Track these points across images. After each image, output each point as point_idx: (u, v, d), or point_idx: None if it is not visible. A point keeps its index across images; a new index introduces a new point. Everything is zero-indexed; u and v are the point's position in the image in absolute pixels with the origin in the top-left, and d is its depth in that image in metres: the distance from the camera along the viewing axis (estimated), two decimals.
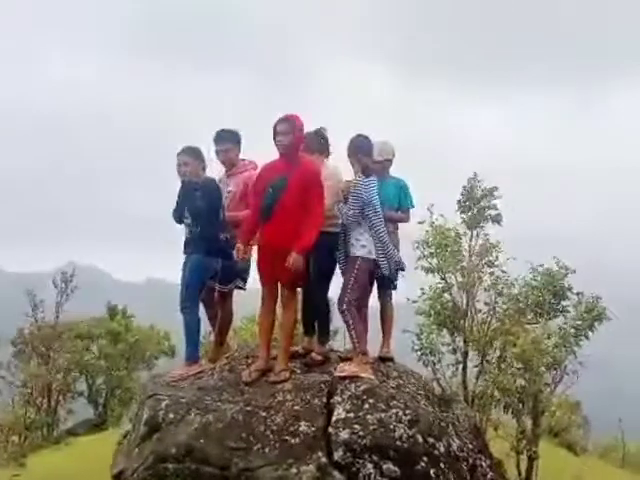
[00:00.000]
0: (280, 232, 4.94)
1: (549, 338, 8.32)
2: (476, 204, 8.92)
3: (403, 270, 5.57)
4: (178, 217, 5.57)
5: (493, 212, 8.92)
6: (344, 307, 4.98)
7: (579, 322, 8.75)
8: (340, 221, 5.30)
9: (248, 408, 4.53)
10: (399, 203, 5.80)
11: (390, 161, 5.93)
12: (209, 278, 5.51)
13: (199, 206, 5.38)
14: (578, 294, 8.83)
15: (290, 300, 5.14)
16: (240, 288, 5.76)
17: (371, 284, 5.39)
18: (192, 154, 5.51)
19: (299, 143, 5.09)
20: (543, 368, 8.46)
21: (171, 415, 4.57)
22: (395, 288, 5.86)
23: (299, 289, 5.47)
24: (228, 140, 5.74)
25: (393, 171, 5.96)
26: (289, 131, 4.98)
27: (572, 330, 8.71)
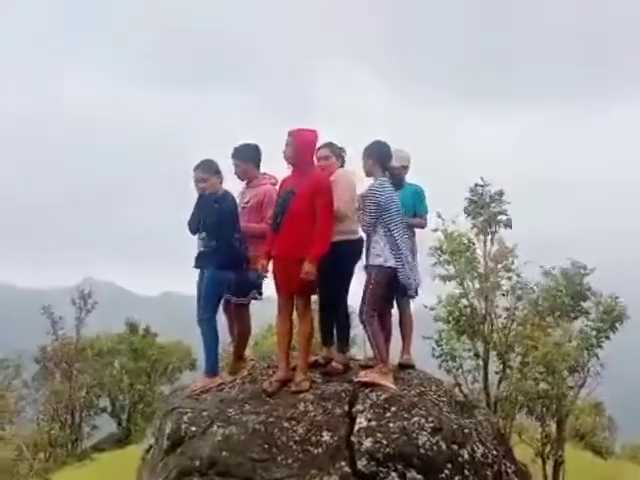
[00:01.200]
0: (290, 242, 4.97)
1: (570, 341, 8.22)
2: (486, 209, 8.87)
3: (418, 284, 5.55)
4: (195, 228, 5.60)
5: (504, 217, 8.88)
6: (364, 317, 4.97)
7: (600, 324, 8.64)
8: (354, 228, 5.32)
9: (270, 419, 4.53)
10: (415, 209, 5.82)
11: (406, 168, 5.95)
12: (225, 291, 5.53)
13: (216, 220, 5.41)
14: (594, 295, 8.73)
15: (305, 310, 5.14)
16: (256, 299, 5.77)
17: (391, 292, 5.36)
18: (208, 169, 5.56)
19: (304, 154, 5.13)
20: (565, 371, 8.36)
21: (194, 428, 4.58)
22: (415, 296, 5.85)
23: (317, 298, 5.50)
24: (241, 154, 5.79)
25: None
26: (289, 143, 5.11)
27: (593, 332, 8.60)
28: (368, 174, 5.23)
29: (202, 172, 5.52)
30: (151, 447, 5.21)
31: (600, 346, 8.43)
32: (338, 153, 5.67)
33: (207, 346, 5.43)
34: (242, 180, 5.90)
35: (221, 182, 5.62)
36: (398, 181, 5.25)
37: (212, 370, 5.46)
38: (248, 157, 5.79)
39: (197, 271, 5.57)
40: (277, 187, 5.53)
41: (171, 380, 23.60)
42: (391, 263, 5.02)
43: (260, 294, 5.76)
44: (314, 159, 5.28)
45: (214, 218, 5.42)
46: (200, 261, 5.53)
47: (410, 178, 5.94)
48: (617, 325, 8.48)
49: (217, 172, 5.59)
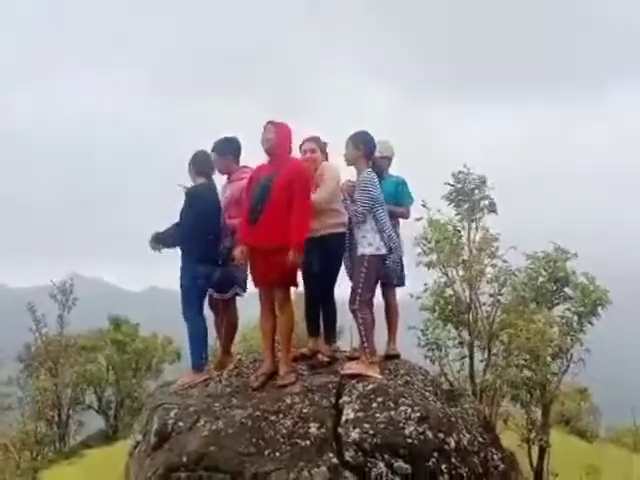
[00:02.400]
0: (269, 232, 4.91)
1: (552, 327, 8.29)
2: (469, 196, 8.88)
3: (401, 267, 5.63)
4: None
5: (486, 202, 8.88)
6: (356, 306, 4.97)
7: (581, 308, 8.71)
8: (341, 221, 5.32)
9: (257, 413, 4.54)
10: (397, 199, 5.82)
11: (390, 159, 5.99)
12: (206, 286, 5.51)
13: (184, 214, 5.44)
14: (575, 279, 8.77)
15: (285, 301, 5.09)
16: (238, 295, 5.76)
17: (376, 282, 5.38)
18: (190, 163, 5.60)
19: (284, 145, 5.12)
20: (549, 358, 8.44)
21: (181, 424, 4.58)
22: (403, 284, 5.90)
23: (303, 290, 5.51)
24: (219, 149, 5.77)
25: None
26: (271, 132, 5.07)
27: (575, 317, 8.67)
28: (351, 163, 5.23)
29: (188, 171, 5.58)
30: (138, 443, 5.19)
31: (582, 331, 8.51)
32: (323, 147, 5.68)
33: (192, 341, 5.43)
34: (222, 174, 5.86)
35: (202, 175, 5.60)
36: (379, 172, 5.27)
37: (198, 365, 5.45)
38: (227, 151, 5.76)
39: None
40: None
41: (156, 374, 23.49)
42: (384, 251, 5.04)
43: (244, 290, 5.75)
44: (291, 151, 5.26)
45: (182, 212, 5.44)
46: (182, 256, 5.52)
47: (398, 169, 5.99)
48: (599, 310, 8.55)
49: (193, 166, 5.59)
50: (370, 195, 5.01)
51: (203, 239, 5.35)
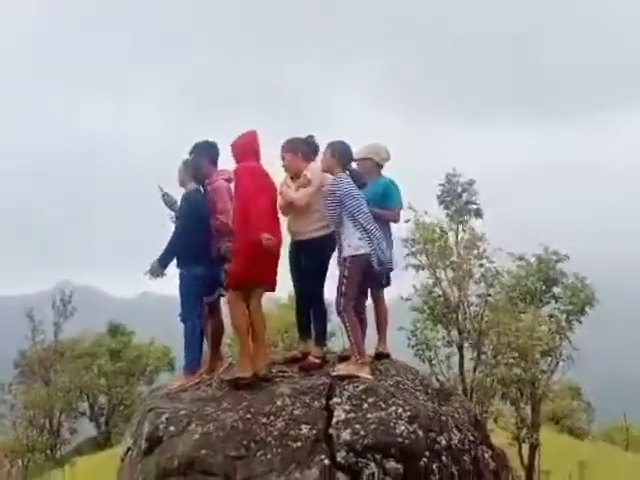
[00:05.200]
0: None
1: (540, 325, 8.36)
2: (458, 199, 8.97)
3: (391, 269, 5.64)
4: None
5: (474, 206, 8.98)
6: (341, 308, 5.00)
7: (570, 307, 8.81)
8: (326, 223, 5.35)
9: (248, 415, 4.53)
10: (385, 201, 5.78)
11: (374, 162, 5.94)
12: (204, 288, 5.53)
13: (182, 219, 5.50)
14: (565, 279, 8.90)
15: (230, 302, 5.26)
16: (222, 296, 5.76)
17: (366, 283, 5.40)
18: (185, 167, 5.64)
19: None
20: (538, 356, 8.50)
21: (172, 428, 4.57)
22: (389, 284, 5.91)
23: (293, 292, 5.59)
24: (195, 152, 5.81)
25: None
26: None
27: (563, 316, 8.77)
28: (326, 170, 5.31)
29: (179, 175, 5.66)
30: (129, 449, 5.17)
31: (571, 329, 8.60)
32: (305, 150, 5.69)
33: (187, 344, 5.42)
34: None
35: (193, 179, 5.62)
36: (359, 178, 5.35)
37: (191, 368, 5.45)
38: (206, 153, 5.79)
39: (176, 271, 5.58)
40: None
41: (150, 381, 23.46)
42: (363, 250, 5.07)
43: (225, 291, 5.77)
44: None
45: (183, 220, 5.48)
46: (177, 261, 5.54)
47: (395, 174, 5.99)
48: (587, 309, 8.64)
49: (184, 169, 5.61)
50: (336, 198, 5.08)
51: (200, 242, 5.40)
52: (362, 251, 5.08)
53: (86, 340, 23.74)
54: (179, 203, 5.64)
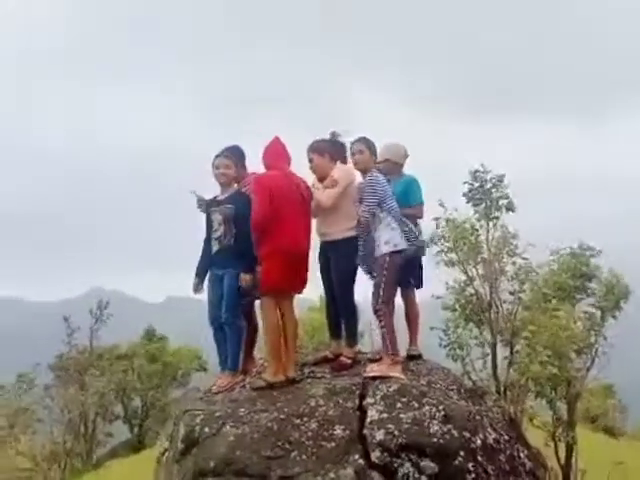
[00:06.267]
0: None
1: (575, 322, 8.25)
2: (487, 195, 8.89)
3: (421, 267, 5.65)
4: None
5: (505, 201, 8.88)
6: (379, 307, 4.99)
7: (604, 303, 8.68)
8: (355, 224, 5.36)
9: (282, 416, 4.57)
10: (407, 199, 5.75)
11: (398, 164, 5.94)
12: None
13: (243, 218, 5.47)
14: (599, 275, 8.77)
15: (262, 307, 5.36)
16: (257, 298, 5.79)
17: (398, 281, 5.37)
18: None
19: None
20: (573, 354, 8.39)
21: (207, 429, 4.62)
22: (421, 286, 5.90)
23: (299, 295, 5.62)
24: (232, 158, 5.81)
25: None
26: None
27: (598, 312, 8.64)
28: (364, 166, 5.31)
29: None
30: (166, 450, 5.25)
31: (605, 326, 8.48)
32: (333, 151, 5.69)
33: (232, 344, 5.45)
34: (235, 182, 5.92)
35: (238, 180, 5.69)
36: (389, 174, 5.37)
37: (236, 367, 5.49)
38: (238, 159, 5.84)
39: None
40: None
41: (183, 384, 23.78)
42: (401, 246, 5.08)
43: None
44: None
45: (244, 219, 5.40)
46: (221, 262, 5.51)
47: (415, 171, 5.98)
48: (622, 303, 8.53)
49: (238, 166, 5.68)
50: (376, 193, 5.08)
51: (251, 245, 5.39)
52: (402, 246, 5.09)
53: (123, 344, 24.22)
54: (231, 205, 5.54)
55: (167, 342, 25.05)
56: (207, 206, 5.64)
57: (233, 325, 5.42)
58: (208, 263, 5.60)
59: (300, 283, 5.41)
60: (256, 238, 5.26)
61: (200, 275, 5.61)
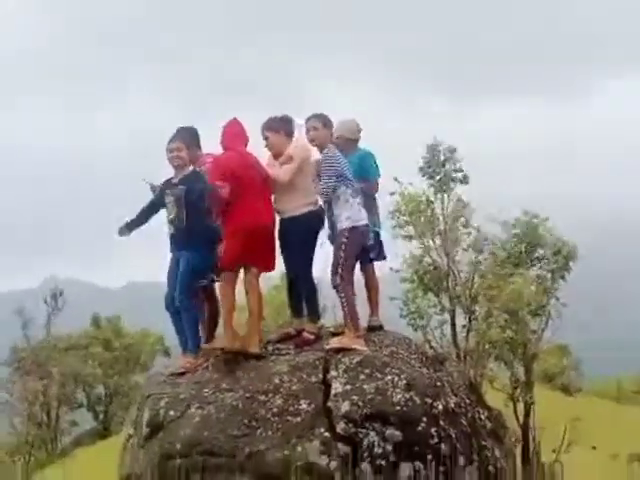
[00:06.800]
0: None
1: (529, 287, 8.52)
2: (441, 167, 9.03)
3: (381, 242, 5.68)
4: None
5: (459, 174, 9.04)
6: (338, 281, 5.02)
7: (554, 265, 8.97)
8: (313, 200, 5.35)
9: (247, 394, 4.58)
10: (362, 174, 5.67)
11: (345, 138, 5.89)
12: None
13: (200, 200, 5.39)
14: (544, 239, 9.05)
15: (221, 282, 5.47)
16: (213, 280, 5.75)
17: (358, 256, 5.38)
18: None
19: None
20: (528, 316, 8.66)
21: (172, 412, 4.60)
22: (384, 258, 5.94)
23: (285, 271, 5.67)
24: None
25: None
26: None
27: (549, 275, 8.94)
28: (322, 142, 5.29)
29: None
30: (131, 436, 5.21)
31: (555, 287, 8.79)
32: (287, 129, 5.67)
33: (189, 325, 5.40)
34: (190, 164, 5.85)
35: (193, 162, 5.59)
36: (344, 150, 5.35)
37: (196, 348, 5.45)
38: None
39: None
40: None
41: (145, 369, 23.57)
42: (362, 222, 5.10)
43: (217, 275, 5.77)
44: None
45: (200, 200, 5.32)
46: (177, 244, 5.44)
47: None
48: (570, 264, 8.85)
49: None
50: (333, 170, 5.07)
51: (204, 226, 5.34)
52: (361, 223, 5.10)
53: (77, 332, 23.77)
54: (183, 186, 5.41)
55: (120, 325, 24.65)
56: (161, 190, 5.54)
57: (187, 307, 5.38)
58: (142, 220, 5.55)
59: (264, 260, 5.41)
60: (218, 218, 5.29)
61: (129, 225, 5.53)
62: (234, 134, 5.48)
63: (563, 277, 8.91)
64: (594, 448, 15.59)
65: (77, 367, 21.19)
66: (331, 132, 5.38)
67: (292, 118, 5.66)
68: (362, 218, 5.11)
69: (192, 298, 5.41)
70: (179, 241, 5.39)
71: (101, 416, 22.56)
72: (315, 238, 5.43)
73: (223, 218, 5.33)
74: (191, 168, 5.56)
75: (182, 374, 5.24)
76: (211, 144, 5.71)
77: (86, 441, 20.29)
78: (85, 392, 22.44)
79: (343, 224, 5.09)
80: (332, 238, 5.35)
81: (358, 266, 5.64)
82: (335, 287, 5.07)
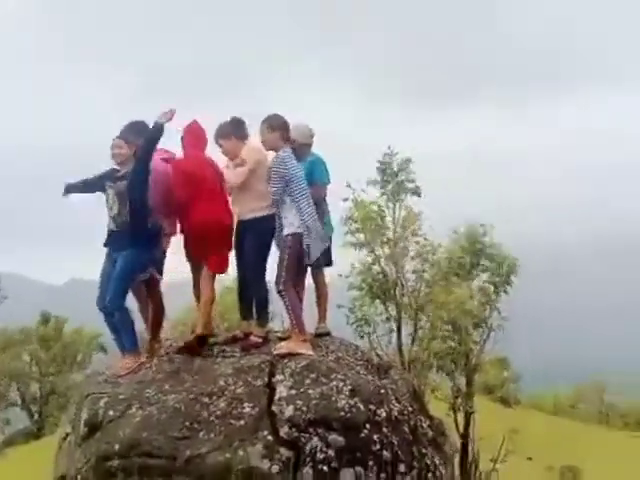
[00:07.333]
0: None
1: (472, 298, 8.71)
2: (394, 177, 9.17)
3: (329, 248, 5.69)
4: None
5: (412, 185, 9.20)
6: (281, 287, 5.01)
7: (497, 278, 9.21)
8: (267, 203, 5.34)
9: (190, 396, 4.52)
10: (312, 179, 5.58)
11: (298, 142, 5.89)
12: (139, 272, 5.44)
13: (142, 195, 5.35)
14: (491, 251, 9.28)
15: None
16: (155, 276, 5.65)
17: (304, 262, 5.41)
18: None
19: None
20: (470, 328, 8.85)
21: (111, 412, 4.51)
22: (331, 264, 5.96)
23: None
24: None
25: None
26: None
27: (491, 287, 9.16)
28: (271, 147, 5.28)
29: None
30: (67, 435, 5.07)
31: (498, 300, 9.03)
32: (241, 133, 5.67)
33: (124, 326, 5.30)
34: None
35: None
36: (298, 155, 5.35)
37: (134, 347, 5.34)
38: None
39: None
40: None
41: (82, 368, 22.99)
42: (301, 230, 5.10)
43: (160, 272, 5.70)
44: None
45: (142, 196, 5.26)
46: (116, 243, 5.31)
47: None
48: (512, 277, 9.12)
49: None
50: (280, 174, 5.07)
51: (147, 222, 5.26)
52: (301, 230, 5.10)
53: (14, 328, 22.97)
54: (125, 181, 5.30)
55: (64, 324, 23.99)
56: (101, 177, 5.42)
57: (119, 307, 5.26)
58: (87, 189, 5.46)
59: (216, 261, 5.44)
60: (169, 217, 5.44)
61: (74, 186, 5.42)
62: (194, 136, 5.52)
63: (505, 291, 9.17)
64: (530, 459, 16.05)
65: (11, 364, 20.46)
66: (283, 134, 5.31)
67: (242, 119, 5.65)
68: (300, 226, 5.10)
69: (123, 299, 5.33)
70: (120, 240, 5.27)
71: (36, 416, 21.84)
72: (270, 242, 5.41)
73: (180, 218, 5.45)
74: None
75: (125, 375, 5.14)
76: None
77: (19, 440, 19.61)
78: (19, 390, 21.69)
79: (287, 229, 5.11)
80: (278, 242, 5.33)
81: (308, 272, 5.67)
82: (279, 292, 5.07)
